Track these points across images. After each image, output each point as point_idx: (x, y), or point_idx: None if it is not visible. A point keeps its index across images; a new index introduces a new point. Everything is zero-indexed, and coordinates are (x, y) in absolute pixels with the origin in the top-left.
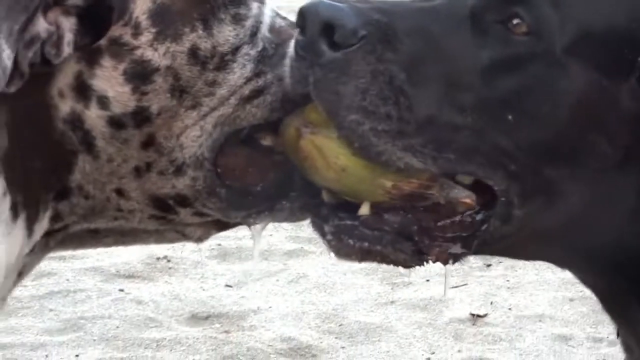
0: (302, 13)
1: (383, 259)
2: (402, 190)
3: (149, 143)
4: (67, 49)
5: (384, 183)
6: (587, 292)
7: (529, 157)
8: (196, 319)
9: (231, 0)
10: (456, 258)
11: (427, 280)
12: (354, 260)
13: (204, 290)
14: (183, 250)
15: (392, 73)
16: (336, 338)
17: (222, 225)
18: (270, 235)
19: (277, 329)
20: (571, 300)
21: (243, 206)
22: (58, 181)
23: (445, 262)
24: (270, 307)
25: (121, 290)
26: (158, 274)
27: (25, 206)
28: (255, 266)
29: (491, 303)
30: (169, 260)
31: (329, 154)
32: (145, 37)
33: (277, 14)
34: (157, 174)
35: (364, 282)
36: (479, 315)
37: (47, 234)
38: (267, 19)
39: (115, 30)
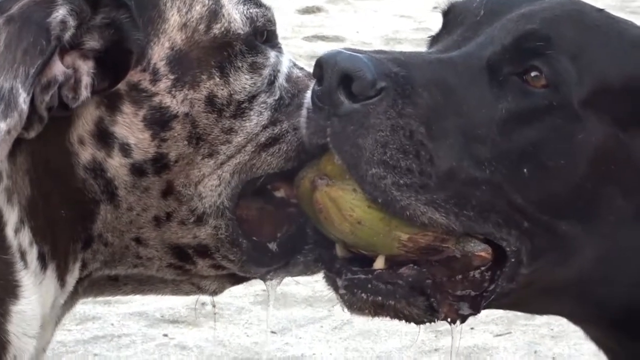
0: (320, 63)
1: (396, 313)
2: (418, 243)
3: (168, 191)
4: (84, 93)
5: (399, 236)
6: None
7: (543, 212)
8: None
9: (248, 49)
10: (463, 318)
11: (472, 329)
12: (367, 315)
13: (248, 336)
14: (228, 296)
15: (411, 127)
16: None
17: (237, 280)
18: (315, 281)
19: None
20: None
21: (262, 262)
22: (83, 230)
23: (454, 320)
24: (314, 354)
25: (165, 335)
26: (202, 320)
27: (54, 257)
28: (268, 319)
29: (535, 352)
30: (213, 306)
31: (344, 207)
32: (164, 83)
33: (295, 64)
34: (177, 224)
35: (408, 329)
36: None
37: (76, 283)
38: (284, 69)
39: (134, 76)
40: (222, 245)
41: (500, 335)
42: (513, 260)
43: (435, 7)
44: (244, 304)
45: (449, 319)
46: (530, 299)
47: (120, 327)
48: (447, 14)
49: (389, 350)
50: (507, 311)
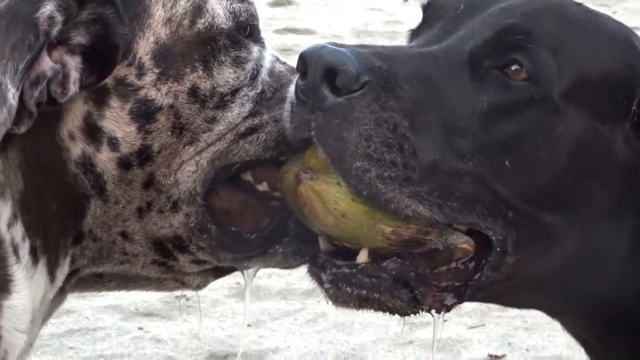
0: (304, 57)
1: (380, 306)
2: (401, 236)
3: (149, 182)
4: (73, 88)
5: (383, 229)
6: None
7: (526, 203)
8: (215, 358)
9: (232, 43)
10: (448, 308)
11: (445, 321)
12: (352, 308)
13: (222, 329)
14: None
15: (395, 120)
16: None
17: (220, 273)
18: (289, 274)
19: None
20: None
21: (233, 248)
22: (74, 225)
23: (438, 311)
24: (288, 347)
25: (140, 328)
26: (177, 313)
27: (45, 251)
28: (246, 309)
29: (509, 344)
30: (188, 299)
31: (328, 200)
32: (149, 77)
33: (277, 59)
34: (156, 213)
35: (382, 322)
36: (496, 357)
37: (65, 278)
38: (267, 63)
39: (121, 71)
40: (193, 234)
41: (473, 327)
42: (499, 249)
43: (405, 0)
44: (219, 297)
45: (433, 310)
46: (511, 291)
47: (95, 320)
48: (427, 8)
49: (363, 343)
50: (481, 303)
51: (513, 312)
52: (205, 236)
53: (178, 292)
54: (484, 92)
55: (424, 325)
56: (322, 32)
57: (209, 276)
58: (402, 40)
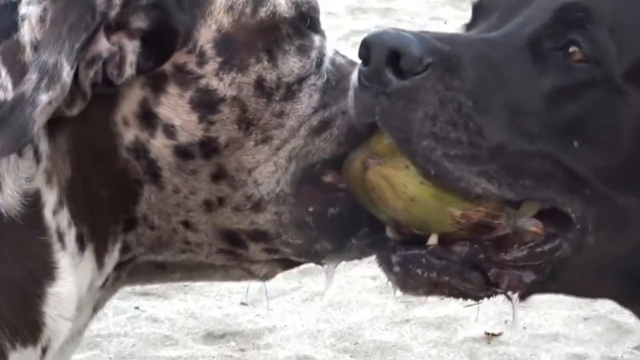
0: (367, 43)
1: (451, 291)
2: (471, 219)
3: (219, 176)
4: (129, 70)
5: (452, 212)
6: (602, 311)
7: (599, 182)
8: (212, 337)
9: (295, 32)
10: (530, 288)
11: (442, 299)
12: (420, 294)
13: (219, 308)
14: None
15: (460, 100)
16: (351, 357)
17: (289, 264)
18: None
19: (292, 347)
20: (585, 319)
21: (332, 238)
22: (125, 212)
23: (518, 291)
24: (285, 326)
25: (137, 308)
26: (173, 292)
27: (93, 237)
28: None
29: (506, 322)
30: None
31: (397, 184)
32: (211, 66)
33: (337, 51)
34: (232, 209)
35: (378, 300)
36: (493, 334)
37: (118, 267)
38: (329, 53)
39: (180, 57)
40: (286, 230)
41: (470, 305)
42: (579, 227)
43: None
44: None
45: (511, 292)
46: (588, 279)
47: None
48: (479, 6)
49: (360, 321)
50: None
51: None
52: (304, 232)
53: None
54: (546, 74)
55: (421, 303)
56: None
57: (277, 267)
58: (396, 17)
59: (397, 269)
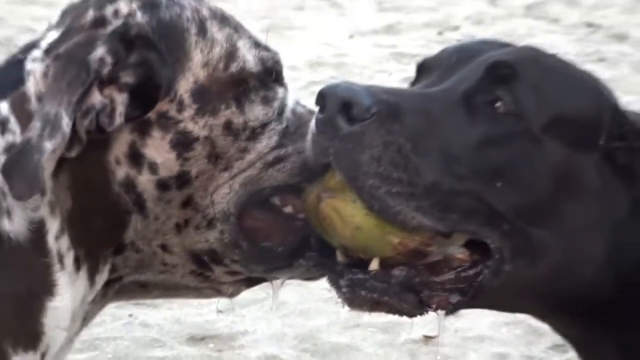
0: (323, 94)
1: (390, 309)
2: (407, 247)
3: (187, 202)
4: (119, 119)
5: (391, 239)
6: (521, 317)
7: (517, 218)
8: (194, 339)
9: (261, 85)
10: (455, 307)
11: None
12: (365, 311)
13: (200, 315)
14: None
15: (400, 143)
16: (311, 356)
17: (251, 282)
18: None
19: (262, 348)
20: (507, 324)
21: (262, 261)
22: (116, 238)
23: (445, 309)
24: (255, 330)
25: (130, 315)
26: (161, 302)
27: (87, 259)
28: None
29: (441, 326)
30: None
31: (345, 214)
32: (188, 112)
33: (298, 102)
34: (193, 229)
35: (334, 308)
36: (430, 337)
37: (106, 285)
38: (290, 104)
39: (163, 106)
40: (227, 248)
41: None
42: (497, 256)
43: (351, 36)
44: None
45: (439, 310)
46: (509, 298)
47: None
48: (422, 65)
49: (319, 326)
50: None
51: None
52: (237, 250)
53: None
54: (476, 124)
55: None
56: (283, 63)
57: (241, 285)
58: (347, 69)
59: (345, 290)
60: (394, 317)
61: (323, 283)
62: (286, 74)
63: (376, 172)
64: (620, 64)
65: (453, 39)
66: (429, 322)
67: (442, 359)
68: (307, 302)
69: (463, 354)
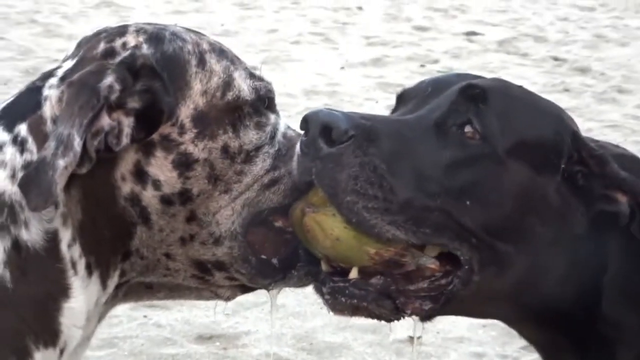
0: (306, 119)
1: (369, 314)
2: (383, 257)
3: (191, 218)
4: (125, 140)
5: (368, 250)
6: (496, 320)
7: (485, 233)
8: (202, 338)
9: (254, 111)
10: (428, 313)
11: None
12: (346, 315)
13: (207, 317)
14: None
15: (375, 163)
16: (308, 354)
17: (246, 289)
18: None
19: (263, 346)
20: (484, 326)
21: (267, 275)
22: (122, 246)
23: (419, 315)
24: (257, 330)
25: (145, 316)
26: (173, 304)
27: (98, 266)
28: (272, 320)
29: (423, 328)
30: None
31: (326, 227)
32: (188, 135)
33: (289, 127)
34: (199, 244)
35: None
36: (414, 337)
37: (116, 287)
38: (282, 128)
39: (166, 129)
40: (236, 262)
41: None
42: (467, 267)
43: (342, 68)
44: None
45: (414, 315)
46: (478, 306)
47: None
48: (401, 96)
49: (314, 327)
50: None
51: None
52: (246, 265)
53: None
54: (446, 148)
55: None
56: (279, 90)
57: (237, 291)
58: (339, 98)
59: (327, 297)
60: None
61: None
62: (284, 100)
63: (353, 190)
64: (583, 94)
65: (434, 70)
66: (412, 324)
67: (426, 357)
68: (303, 305)
69: (444, 353)
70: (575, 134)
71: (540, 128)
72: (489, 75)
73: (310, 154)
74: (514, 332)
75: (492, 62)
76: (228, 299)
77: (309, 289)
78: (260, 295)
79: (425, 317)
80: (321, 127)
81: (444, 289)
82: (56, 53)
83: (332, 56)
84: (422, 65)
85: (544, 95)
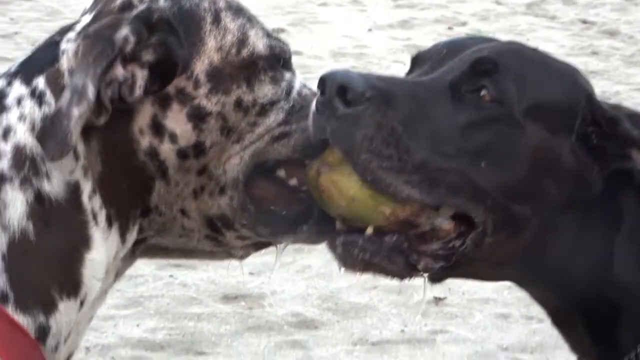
0: (323, 79)
1: (380, 270)
2: (398, 217)
3: (203, 170)
4: (138, 91)
5: (384, 210)
6: None
7: (500, 195)
8: (227, 298)
9: (269, 67)
10: (439, 272)
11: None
12: (357, 271)
13: (233, 277)
14: None
15: (391, 125)
16: (333, 314)
17: (259, 246)
18: None
19: (288, 306)
20: (509, 287)
21: (270, 225)
22: (142, 200)
23: (430, 273)
24: (283, 290)
25: (171, 276)
26: (198, 264)
27: (118, 218)
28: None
29: (449, 289)
30: None
31: (342, 187)
32: (202, 90)
33: (305, 85)
34: (208, 195)
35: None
36: (440, 298)
37: (134, 244)
38: (297, 86)
39: (181, 83)
40: (236, 213)
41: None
42: (480, 229)
43: (369, 30)
44: None
45: (425, 274)
46: (490, 268)
47: (136, 269)
48: (416, 57)
49: (339, 287)
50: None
51: None
52: (245, 214)
53: None
54: (462, 110)
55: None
56: (307, 53)
57: (250, 249)
58: (367, 60)
59: (339, 249)
60: (407, 281)
61: None
62: (311, 62)
63: (368, 149)
64: (612, 57)
65: (462, 32)
66: (438, 285)
67: (451, 317)
68: (329, 266)
69: (469, 314)
70: (589, 96)
71: (555, 90)
72: (516, 38)
73: (325, 113)
74: None
75: (520, 25)
76: (241, 257)
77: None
78: (286, 256)
79: (436, 277)
80: (338, 88)
81: (457, 250)
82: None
83: (359, 18)
84: (450, 28)
85: (571, 59)
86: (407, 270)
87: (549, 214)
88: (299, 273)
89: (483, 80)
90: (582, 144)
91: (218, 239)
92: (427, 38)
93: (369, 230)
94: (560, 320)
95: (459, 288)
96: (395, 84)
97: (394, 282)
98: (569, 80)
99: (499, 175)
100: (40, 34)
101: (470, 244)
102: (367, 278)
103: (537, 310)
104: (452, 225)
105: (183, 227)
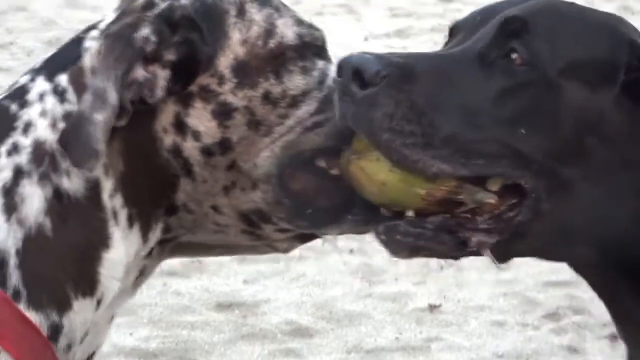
0: (339, 64)
1: (431, 251)
2: (435, 197)
3: (232, 166)
4: (160, 92)
5: (418, 191)
6: (517, 289)
7: (545, 159)
8: (221, 306)
9: (299, 57)
10: (497, 249)
11: (396, 279)
12: (405, 256)
13: (227, 285)
14: None
15: (411, 100)
16: (327, 322)
17: (304, 238)
18: None
19: (282, 314)
20: (505, 294)
21: (306, 217)
22: (165, 199)
23: (484, 249)
24: (277, 298)
25: (164, 284)
26: (192, 272)
27: (139, 217)
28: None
29: (444, 296)
30: (200, 262)
31: (370, 172)
32: (228, 86)
33: None
34: (240, 190)
35: (348, 279)
36: (435, 306)
37: (161, 243)
38: (332, 74)
39: (204, 80)
40: (271, 207)
41: (417, 283)
42: (533, 195)
43: (365, 39)
44: (224, 260)
45: (481, 250)
46: (548, 244)
47: None
48: (453, 28)
49: (334, 296)
50: (422, 265)
51: (447, 272)
52: (281, 208)
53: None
54: (494, 77)
55: (381, 282)
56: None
57: (295, 241)
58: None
59: (382, 237)
60: (402, 288)
61: (338, 256)
62: (340, 48)
63: (389, 127)
64: None
65: None
66: (433, 292)
67: (446, 325)
68: (323, 274)
69: (465, 321)
70: (632, 42)
71: (593, 44)
72: None
73: (345, 99)
74: (535, 301)
75: None
76: (286, 250)
77: (329, 257)
78: (280, 263)
79: (500, 256)
80: (353, 72)
81: (512, 222)
82: (79, 24)
83: (355, 27)
84: (447, 37)
85: None
86: (458, 249)
87: (603, 176)
88: (293, 281)
89: (512, 42)
90: (627, 94)
91: (256, 232)
92: (424, 47)
93: (409, 214)
94: (606, 284)
95: (454, 295)
96: (414, 58)
97: (388, 290)
98: (608, 30)
99: (540, 140)
100: (35, 44)
101: (527, 212)
102: (361, 286)
103: (533, 318)
104: (497, 199)
105: (217, 223)
